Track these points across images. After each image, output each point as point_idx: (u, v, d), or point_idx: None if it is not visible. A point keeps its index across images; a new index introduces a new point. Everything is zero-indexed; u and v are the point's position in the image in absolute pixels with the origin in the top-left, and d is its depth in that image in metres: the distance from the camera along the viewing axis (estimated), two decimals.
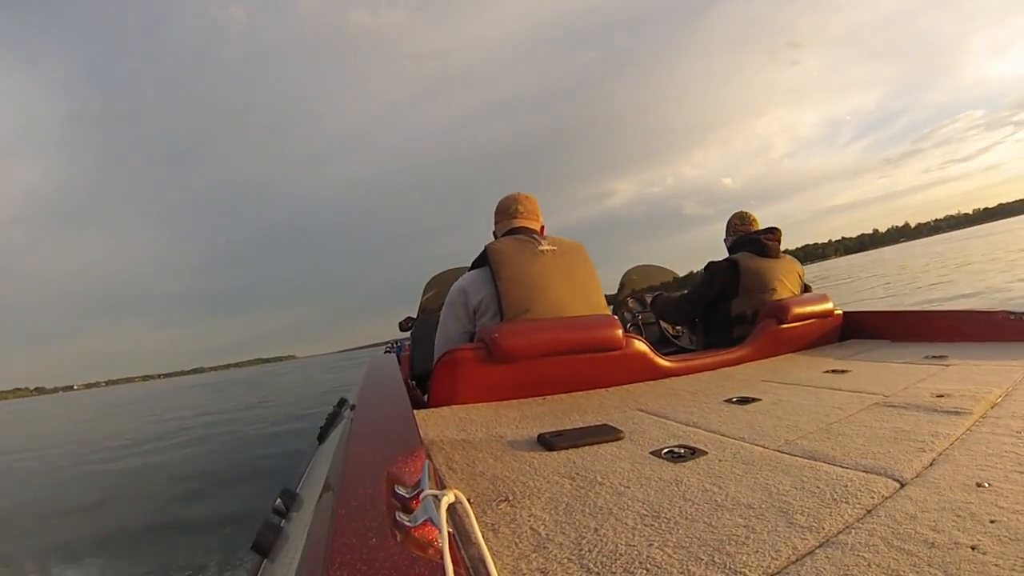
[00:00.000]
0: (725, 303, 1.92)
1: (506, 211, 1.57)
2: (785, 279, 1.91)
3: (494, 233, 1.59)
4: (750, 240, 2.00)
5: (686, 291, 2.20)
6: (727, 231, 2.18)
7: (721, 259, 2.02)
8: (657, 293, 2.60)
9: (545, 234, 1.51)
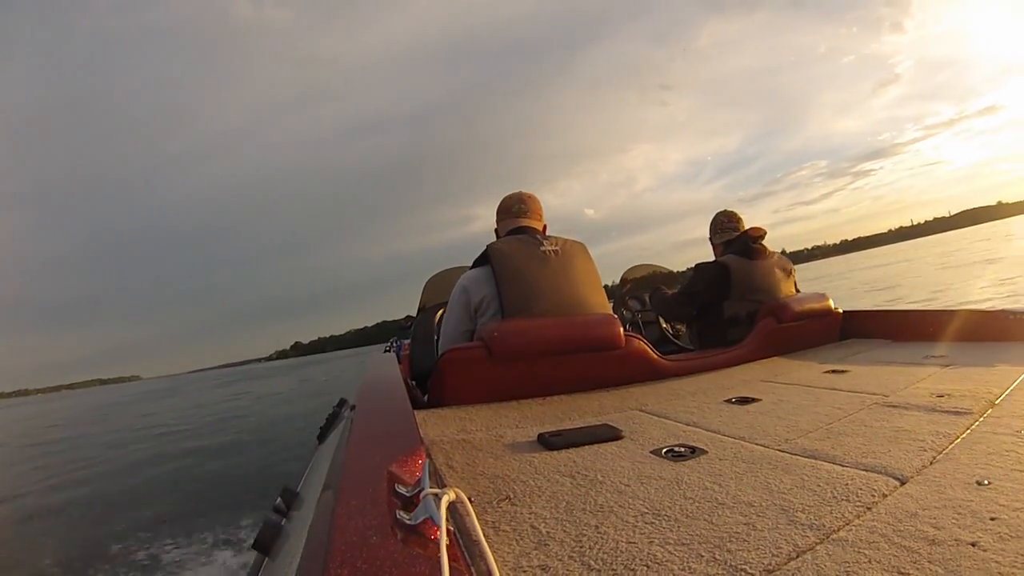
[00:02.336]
0: (717, 306, 1.91)
1: (509, 210, 1.56)
2: (776, 279, 1.90)
3: (496, 232, 1.59)
4: (736, 241, 1.99)
5: (676, 293, 2.19)
6: (712, 232, 2.15)
7: (709, 261, 2.01)
8: (656, 287, 2.61)
9: (547, 234, 1.51)
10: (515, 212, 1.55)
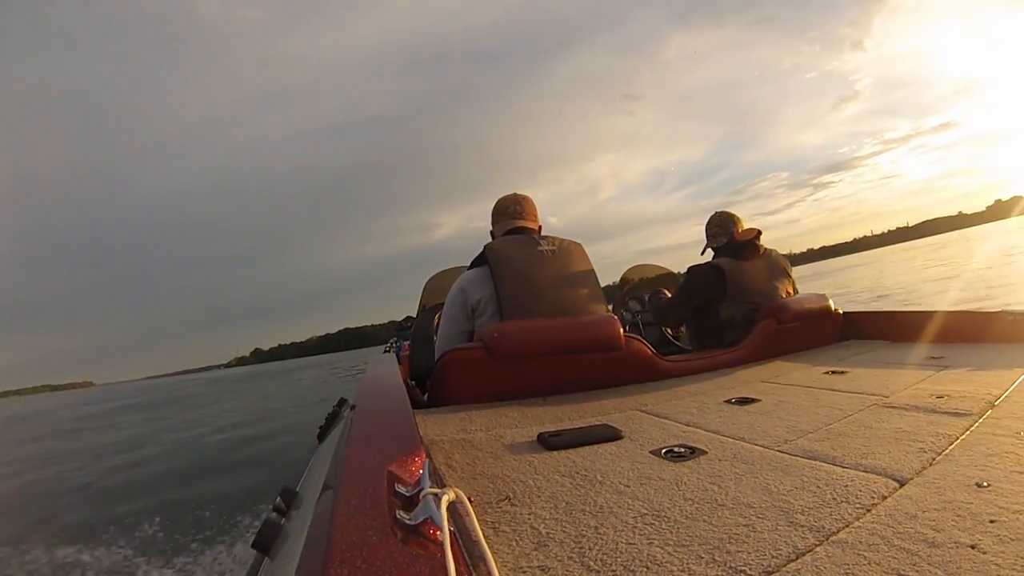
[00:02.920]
0: (713, 308, 1.90)
1: (505, 211, 1.57)
2: (772, 280, 1.89)
3: (492, 234, 1.59)
4: (730, 244, 1.98)
5: (671, 298, 2.18)
6: (708, 234, 2.13)
7: (702, 264, 1.99)
8: (655, 290, 2.60)
9: (543, 234, 1.51)
10: (511, 213, 1.55)
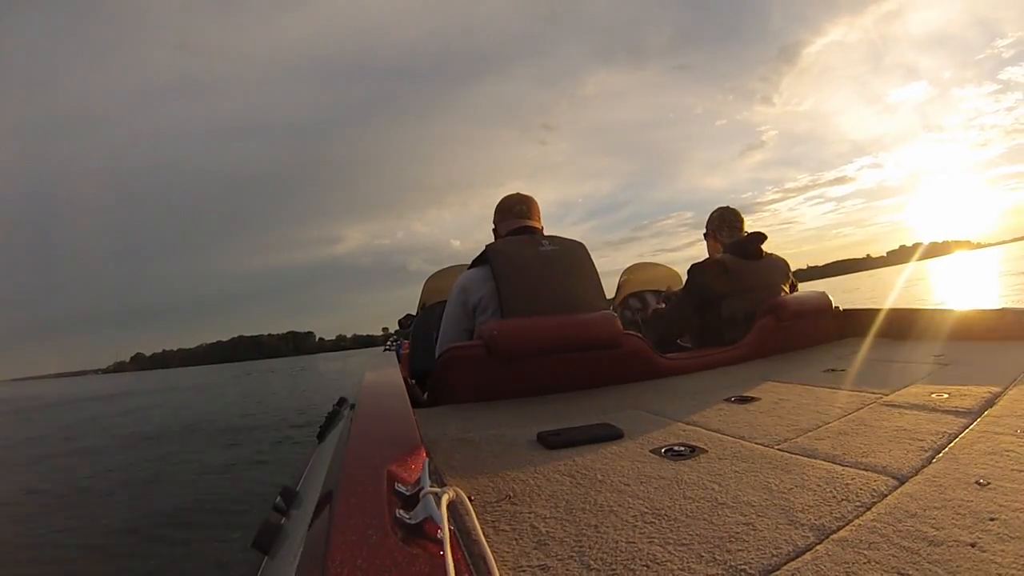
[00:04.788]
0: (715, 306, 1.90)
1: (507, 211, 1.57)
2: (774, 279, 1.90)
3: (495, 232, 1.59)
4: (736, 242, 1.98)
5: (673, 303, 2.15)
6: (716, 228, 2.11)
7: (705, 260, 1.99)
8: (656, 307, 2.57)
9: (545, 234, 1.52)
10: (516, 212, 1.55)
